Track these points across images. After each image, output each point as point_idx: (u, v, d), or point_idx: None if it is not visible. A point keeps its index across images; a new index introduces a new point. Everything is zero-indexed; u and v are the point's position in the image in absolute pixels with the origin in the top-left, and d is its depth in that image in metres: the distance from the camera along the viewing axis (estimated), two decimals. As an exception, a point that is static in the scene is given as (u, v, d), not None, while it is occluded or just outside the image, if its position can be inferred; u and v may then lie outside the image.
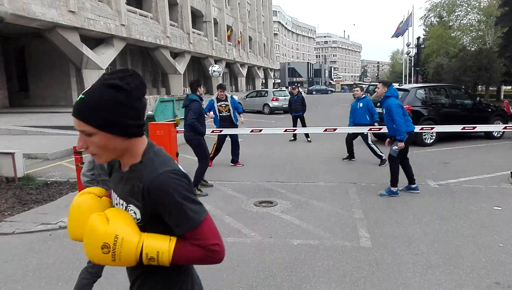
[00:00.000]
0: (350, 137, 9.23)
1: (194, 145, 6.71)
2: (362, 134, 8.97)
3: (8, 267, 4.13)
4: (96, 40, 24.78)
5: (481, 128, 7.76)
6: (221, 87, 8.92)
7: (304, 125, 12.58)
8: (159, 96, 13.55)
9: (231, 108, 8.77)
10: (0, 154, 7.23)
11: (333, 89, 78.33)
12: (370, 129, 8.53)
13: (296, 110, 12.75)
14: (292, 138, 12.50)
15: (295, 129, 10.59)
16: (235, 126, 8.93)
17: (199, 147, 6.68)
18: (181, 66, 35.12)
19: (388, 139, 6.61)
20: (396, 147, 6.18)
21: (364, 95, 9.17)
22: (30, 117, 17.92)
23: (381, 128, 8.11)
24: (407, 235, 4.71)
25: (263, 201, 6.16)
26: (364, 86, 15.95)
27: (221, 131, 8.44)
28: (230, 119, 8.76)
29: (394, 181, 6.30)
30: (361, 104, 8.96)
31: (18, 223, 5.27)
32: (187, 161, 8.00)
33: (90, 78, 23.24)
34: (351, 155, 9.29)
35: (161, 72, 35.61)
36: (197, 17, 41.75)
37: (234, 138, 8.96)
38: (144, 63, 34.05)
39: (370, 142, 8.97)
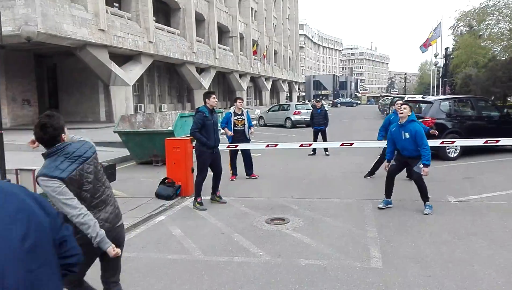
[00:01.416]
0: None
1: (196, 155, 6.81)
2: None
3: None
4: (124, 57, 25.50)
5: (505, 141, 7.40)
6: (240, 98, 9.16)
7: (325, 139, 12.39)
8: (180, 112, 13.74)
9: (246, 123, 8.94)
10: (21, 170, 7.45)
11: (359, 102, 77.47)
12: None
13: (319, 123, 12.53)
14: (312, 153, 12.33)
15: (311, 144, 10.37)
16: (248, 140, 9.09)
17: (198, 158, 6.75)
18: (206, 81, 35.62)
19: (387, 163, 6.55)
20: (423, 168, 5.97)
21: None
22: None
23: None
24: (421, 255, 4.53)
25: (275, 218, 6.09)
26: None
27: (236, 146, 8.45)
28: (244, 133, 8.96)
29: (427, 196, 6.18)
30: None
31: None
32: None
33: (118, 95, 23.92)
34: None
35: (186, 87, 36.19)
36: (223, 33, 42.37)
37: (245, 152, 9.03)
38: (171, 79, 34.71)
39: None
